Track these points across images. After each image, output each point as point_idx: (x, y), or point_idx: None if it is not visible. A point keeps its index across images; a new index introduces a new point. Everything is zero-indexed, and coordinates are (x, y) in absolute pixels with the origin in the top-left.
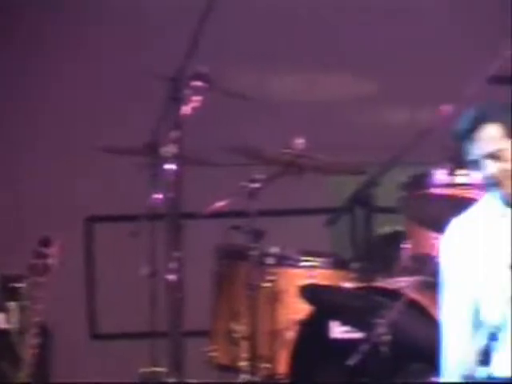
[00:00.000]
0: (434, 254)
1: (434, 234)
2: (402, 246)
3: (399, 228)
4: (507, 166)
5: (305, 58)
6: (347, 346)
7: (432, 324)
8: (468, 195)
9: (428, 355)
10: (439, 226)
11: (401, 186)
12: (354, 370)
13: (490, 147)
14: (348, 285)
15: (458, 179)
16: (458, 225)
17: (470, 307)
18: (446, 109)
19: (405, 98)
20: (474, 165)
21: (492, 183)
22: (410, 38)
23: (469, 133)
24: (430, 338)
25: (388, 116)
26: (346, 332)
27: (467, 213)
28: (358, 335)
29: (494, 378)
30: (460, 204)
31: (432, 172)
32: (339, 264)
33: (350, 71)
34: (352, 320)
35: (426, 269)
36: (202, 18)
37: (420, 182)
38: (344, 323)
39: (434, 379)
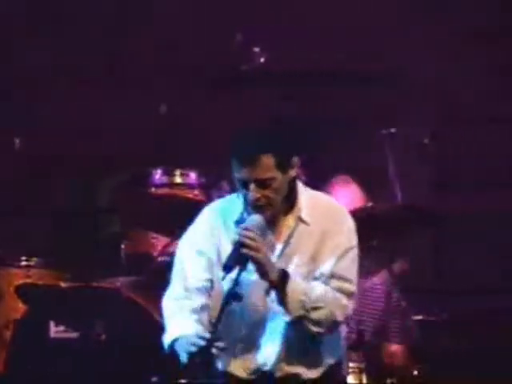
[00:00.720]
0: (153, 253)
1: (153, 234)
2: (121, 245)
3: (118, 228)
4: (271, 194)
5: None
6: (67, 344)
7: (150, 323)
8: (186, 195)
9: (146, 354)
10: (158, 226)
11: (119, 185)
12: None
13: (260, 175)
14: (65, 284)
15: (177, 179)
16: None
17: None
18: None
19: None
20: (241, 184)
21: (254, 205)
22: None
23: (243, 156)
24: (148, 337)
25: None
26: (64, 332)
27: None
28: (74, 335)
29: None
30: (178, 204)
31: (151, 172)
32: (56, 264)
33: None
34: (69, 319)
35: (145, 268)
36: None
37: (138, 181)
38: (60, 323)
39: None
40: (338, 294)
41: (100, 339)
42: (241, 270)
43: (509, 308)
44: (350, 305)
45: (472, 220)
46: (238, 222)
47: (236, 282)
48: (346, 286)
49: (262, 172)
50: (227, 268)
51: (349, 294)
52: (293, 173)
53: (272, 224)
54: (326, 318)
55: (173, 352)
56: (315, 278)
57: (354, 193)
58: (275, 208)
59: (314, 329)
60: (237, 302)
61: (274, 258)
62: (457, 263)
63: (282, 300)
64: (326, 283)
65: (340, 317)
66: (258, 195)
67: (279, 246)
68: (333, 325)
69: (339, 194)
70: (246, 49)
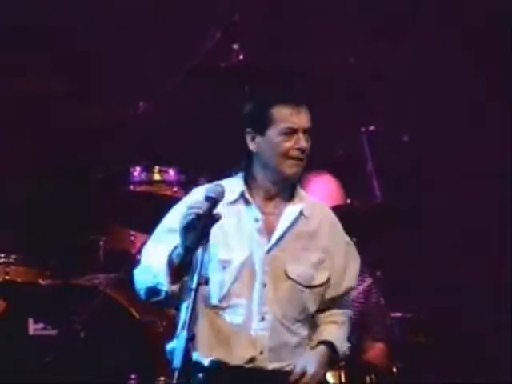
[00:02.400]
0: (131, 250)
1: (132, 231)
2: (100, 242)
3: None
4: (309, 148)
5: None
6: (45, 341)
7: (128, 320)
8: (165, 192)
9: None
10: (136, 223)
11: (96, 183)
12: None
13: (308, 124)
14: (44, 282)
15: (156, 176)
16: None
17: None
18: (143, 105)
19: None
20: (288, 133)
21: (297, 156)
22: None
23: (295, 103)
24: (127, 334)
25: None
26: (43, 329)
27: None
28: (53, 332)
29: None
30: (157, 201)
31: (129, 169)
32: (35, 261)
33: None
34: (47, 317)
35: (123, 266)
36: None
37: (117, 179)
38: (39, 320)
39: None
40: (349, 308)
41: (79, 336)
42: (204, 248)
43: (487, 305)
44: (352, 311)
45: (450, 216)
46: (208, 198)
47: (201, 264)
48: (352, 294)
49: (308, 121)
50: (188, 248)
51: (351, 301)
52: None
53: (272, 203)
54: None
55: (149, 291)
56: (330, 299)
57: (335, 191)
58: (302, 169)
59: (348, 352)
60: (205, 285)
61: (268, 243)
62: (434, 260)
63: (337, 361)
64: (338, 302)
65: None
66: (305, 145)
67: (277, 233)
68: None
69: (318, 190)
70: (224, 46)
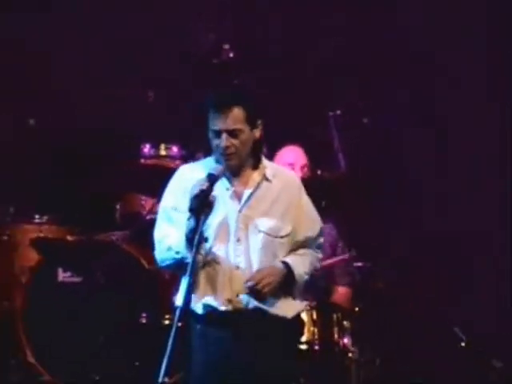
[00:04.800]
0: (142, 212)
1: (142, 196)
2: (116, 206)
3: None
4: (239, 144)
5: None
6: (72, 287)
7: (139, 269)
8: (169, 165)
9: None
10: (146, 190)
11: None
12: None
13: (231, 125)
14: (71, 238)
15: (162, 152)
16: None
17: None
18: (151, 94)
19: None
20: (214, 134)
21: (224, 153)
22: None
23: (218, 108)
24: (138, 280)
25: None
26: (70, 277)
27: (194, 165)
28: (78, 279)
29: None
30: (163, 172)
31: (140, 146)
32: (64, 220)
33: None
34: (74, 266)
35: (135, 224)
36: None
37: (130, 154)
38: (67, 269)
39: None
40: (317, 250)
41: (99, 283)
42: (207, 214)
43: (441, 254)
44: (321, 254)
45: (403, 183)
46: (210, 175)
47: (202, 226)
48: (320, 240)
49: (233, 122)
50: (193, 211)
51: (321, 246)
52: (257, 133)
53: (238, 175)
54: (312, 270)
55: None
56: (297, 242)
57: (300, 157)
58: (241, 159)
59: (305, 278)
60: (204, 242)
61: (239, 205)
62: (387, 216)
63: (293, 282)
64: (306, 245)
65: (318, 265)
66: (229, 144)
67: (245, 195)
68: (313, 272)
69: (287, 157)
70: (217, 46)
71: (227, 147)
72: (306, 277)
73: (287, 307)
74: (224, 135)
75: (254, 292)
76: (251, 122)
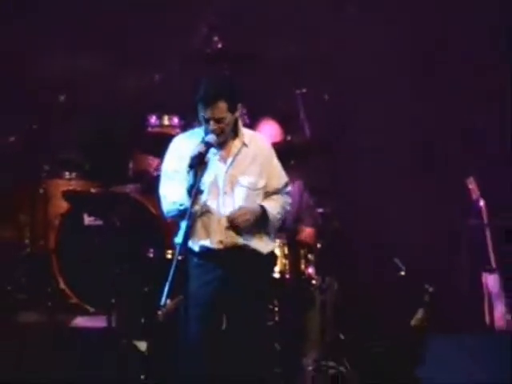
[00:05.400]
0: (149, 169)
1: (150, 157)
2: (128, 164)
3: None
4: (224, 126)
5: None
6: (95, 229)
7: (148, 214)
8: (171, 132)
9: (146, 234)
10: (153, 152)
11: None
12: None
13: (217, 114)
14: (94, 190)
15: (165, 122)
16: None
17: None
18: (158, 76)
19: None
20: (204, 120)
21: (212, 133)
22: None
23: (206, 101)
24: (146, 223)
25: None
26: (94, 220)
27: (187, 135)
28: (100, 222)
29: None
30: (166, 138)
31: (148, 117)
32: (88, 176)
33: None
34: (96, 213)
35: (144, 179)
36: None
37: (141, 123)
38: (91, 215)
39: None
40: (286, 196)
41: (116, 225)
42: (203, 170)
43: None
44: (289, 199)
45: (356, 145)
46: (203, 140)
47: (199, 179)
48: (288, 189)
49: (218, 113)
50: (191, 166)
51: (289, 193)
52: (237, 114)
53: (224, 145)
54: (284, 212)
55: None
56: (269, 192)
57: (275, 129)
58: (226, 135)
59: (278, 217)
60: (200, 194)
61: (225, 167)
62: (342, 171)
63: (267, 222)
64: (277, 193)
65: (288, 207)
66: (216, 127)
67: (230, 159)
68: (284, 214)
69: (265, 130)
70: (208, 37)
71: (215, 130)
72: (279, 216)
73: (264, 244)
74: (212, 122)
75: (233, 223)
76: (232, 109)
